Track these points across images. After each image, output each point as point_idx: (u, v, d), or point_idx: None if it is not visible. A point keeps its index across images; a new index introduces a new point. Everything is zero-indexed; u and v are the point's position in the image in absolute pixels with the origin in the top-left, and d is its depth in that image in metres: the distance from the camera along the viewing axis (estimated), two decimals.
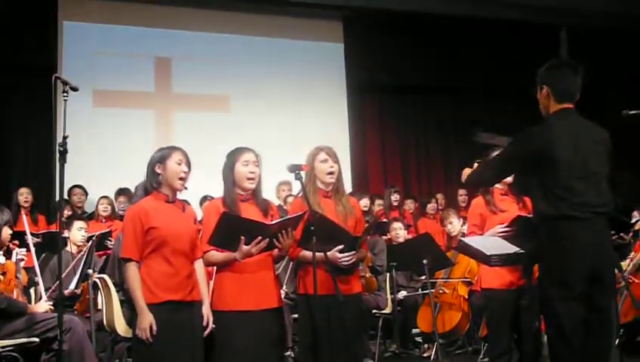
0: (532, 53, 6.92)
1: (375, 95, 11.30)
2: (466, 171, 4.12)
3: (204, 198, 7.76)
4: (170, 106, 9.85)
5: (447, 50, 11.00)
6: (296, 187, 8.33)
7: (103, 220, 7.79)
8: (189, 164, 3.86)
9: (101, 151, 8.98)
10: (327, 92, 10.61)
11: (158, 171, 3.82)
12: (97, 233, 6.23)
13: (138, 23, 9.69)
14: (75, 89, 4.06)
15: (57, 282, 5.22)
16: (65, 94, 4.03)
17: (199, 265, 3.94)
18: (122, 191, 8.05)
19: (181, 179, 3.82)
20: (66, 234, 6.24)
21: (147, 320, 3.61)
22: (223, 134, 9.24)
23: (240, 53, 10.12)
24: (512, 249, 3.96)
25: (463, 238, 4.40)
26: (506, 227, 4.22)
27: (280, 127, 9.89)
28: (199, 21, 9.96)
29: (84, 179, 8.26)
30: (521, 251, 3.92)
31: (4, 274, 4.59)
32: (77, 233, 6.24)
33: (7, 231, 4.59)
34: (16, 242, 4.94)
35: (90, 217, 7.76)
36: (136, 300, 3.67)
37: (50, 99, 8.98)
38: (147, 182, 3.88)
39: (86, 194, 8.33)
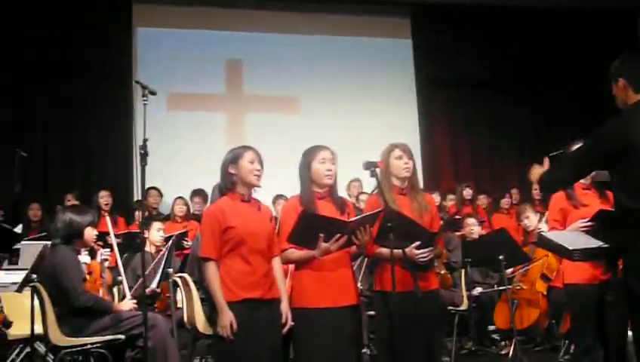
0: (605, 44, 6.74)
1: (445, 90, 11.19)
2: (536, 169, 4.01)
3: (277, 197, 7.86)
4: (241, 108, 10.01)
5: (518, 44, 10.81)
6: (368, 184, 8.36)
7: (179, 220, 7.97)
8: (261, 163, 3.91)
9: (175, 153, 9.19)
10: (396, 89, 10.59)
11: (232, 171, 3.88)
12: (176, 233, 6.37)
13: (209, 27, 9.90)
14: (153, 93, 4.17)
15: (140, 281, 5.40)
16: (144, 98, 4.13)
17: (277, 263, 3.98)
18: (197, 192, 8.22)
19: (255, 175, 3.87)
20: (146, 235, 6.43)
21: (227, 317, 3.67)
22: (294, 135, 9.34)
23: (309, 53, 10.21)
24: (595, 243, 3.85)
25: (543, 233, 4.31)
26: (588, 221, 4.11)
27: (349, 126, 9.93)
28: (269, 23, 10.08)
29: (160, 180, 8.47)
30: (605, 245, 3.81)
31: (90, 273, 4.75)
32: (155, 233, 6.41)
33: (91, 232, 4.74)
34: (100, 243, 5.10)
35: (166, 218, 7.95)
36: (216, 298, 3.73)
37: (127, 104, 9.31)
38: (222, 183, 3.94)
39: (161, 195, 8.53)
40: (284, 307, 3.91)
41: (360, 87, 10.35)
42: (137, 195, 8.77)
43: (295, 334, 3.89)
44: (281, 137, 9.35)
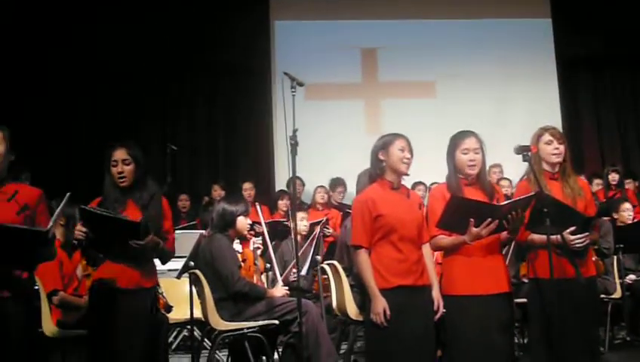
0: None
1: (588, 70, 10.71)
2: None
3: (416, 184, 7.84)
4: (377, 95, 10.04)
5: None
6: (506, 170, 8.18)
7: (320, 208, 8.11)
8: (411, 151, 3.90)
9: (314, 143, 9.33)
10: (534, 70, 10.24)
11: (382, 158, 3.90)
12: (322, 220, 6.48)
13: (343, 17, 9.96)
14: (301, 84, 4.28)
15: (289, 267, 5.58)
16: (293, 89, 4.23)
17: (426, 250, 3.98)
18: (337, 181, 8.32)
19: (404, 163, 3.87)
20: (290, 223, 6.60)
21: (381, 304, 3.71)
22: (430, 119, 9.28)
23: (443, 37, 10.08)
24: None
25: None
26: None
27: (487, 110, 9.71)
28: (402, 9, 10.03)
29: (300, 170, 8.58)
30: None
31: (244, 261, 4.94)
32: (299, 223, 6.54)
33: (244, 221, 4.91)
34: (252, 231, 5.28)
35: (308, 207, 8.12)
36: (368, 285, 3.77)
37: (267, 96, 9.55)
38: (371, 169, 3.97)
39: (303, 184, 8.70)
40: (436, 294, 3.91)
41: (497, 69, 10.11)
42: (280, 185, 9.01)
43: (447, 322, 3.87)
44: (418, 122, 9.28)
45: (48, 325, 4.67)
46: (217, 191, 8.44)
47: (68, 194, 3.66)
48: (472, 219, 3.68)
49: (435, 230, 3.87)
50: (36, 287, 4.57)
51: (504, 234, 3.87)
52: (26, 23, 8.88)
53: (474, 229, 3.69)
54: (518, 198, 3.83)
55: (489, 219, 3.68)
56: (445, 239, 3.88)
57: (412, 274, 3.81)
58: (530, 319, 4.10)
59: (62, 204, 3.55)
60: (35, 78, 8.99)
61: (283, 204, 7.93)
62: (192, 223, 8.01)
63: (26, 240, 3.35)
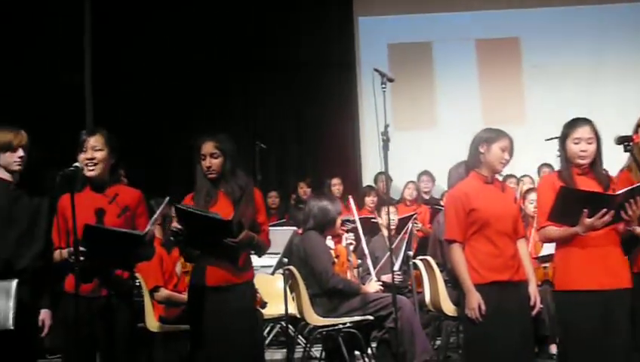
0: None
1: None
2: None
3: (506, 177, 7.70)
4: None
5: None
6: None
7: (409, 204, 8.08)
8: (511, 153, 3.84)
9: (398, 138, 9.28)
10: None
11: (481, 150, 3.84)
12: (412, 214, 6.45)
13: (424, 11, 9.84)
14: (391, 80, 4.27)
15: (381, 263, 5.59)
16: (383, 85, 4.23)
17: (522, 244, 3.91)
18: (423, 172, 8.28)
19: (501, 163, 3.82)
20: (378, 219, 6.60)
21: (475, 299, 3.67)
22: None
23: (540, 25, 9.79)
24: None
25: None
26: None
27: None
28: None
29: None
30: None
31: (337, 257, 4.98)
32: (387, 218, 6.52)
33: (338, 220, 4.96)
34: (345, 228, 5.31)
35: (397, 202, 8.09)
36: (463, 281, 3.74)
37: (352, 93, 9.53)
38: (469, 158, 3.93)
39: (391, 180, 8.66)
40: (532, 289, 3.83)
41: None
42: (366, 181, 9.01)
43: (560, 319, 3.77)
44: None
45: (151, 320, 4.83)
46: (303, 189, 8.52)
47: (167, 198, 3.78)
48: (585, 210, 3.51)
49: (545, 221, 3.70)
50: (138, 283, 4.73)
51: (621, 226, 3.66)
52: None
53: (587, 220, 3.51)
54: (634, 186, 3.60)
55: (604, 210, 3.50)
56: (555, 230, 3.69)
57: (508, 269, 3.75)
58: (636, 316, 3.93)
59: (161, 207, 3.69)
60: (124, 74, 9.31)
61: (370, 200, 7.92)
62: (281, 221, 8.11)
63: (125, 243, 3.49)
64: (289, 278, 4.88)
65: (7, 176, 3.56)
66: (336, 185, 8.26)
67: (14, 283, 3.42)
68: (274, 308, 5.21)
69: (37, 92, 8.28)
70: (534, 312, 3.82)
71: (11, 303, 3.39)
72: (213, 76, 9.58)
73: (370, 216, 7.22)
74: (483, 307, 3.66)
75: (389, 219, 4.22)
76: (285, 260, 4.86)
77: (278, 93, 9.91)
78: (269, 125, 9.81)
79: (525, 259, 3.88)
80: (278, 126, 9.88)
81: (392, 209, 6.65)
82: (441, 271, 4.98)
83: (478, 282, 3.71)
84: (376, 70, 4.24)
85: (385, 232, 6.40)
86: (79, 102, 8.81)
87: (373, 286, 4.89)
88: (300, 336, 5.59)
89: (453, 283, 4.51)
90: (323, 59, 9.83)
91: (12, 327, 3.37)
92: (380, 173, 8.59)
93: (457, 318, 4.66)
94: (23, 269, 3.50)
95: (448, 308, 4.87)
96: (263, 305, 4.89)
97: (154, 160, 9.20)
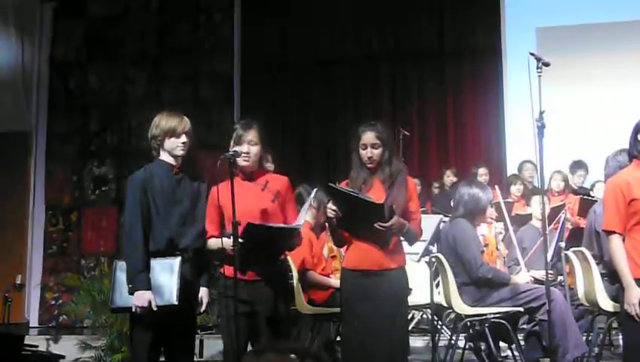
0: None
1: None
2: None
3: None
4: None
5: None
6: None
7: (556, 194, 7.77)
8: None
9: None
10: None
11: None
12: (563, 204, 6.22)
13: None
14: (547, 64, 4.12)
15: (530, 253, 5.43)
16: (539, 70, 4.10)
17: None
18: (578, 164, 7.93)
19: None
20: (527, 210, 6.40)
21: (635, 294, 3.50)
22: None
23: None
24: None
25: None
26: None
27: None
28: None
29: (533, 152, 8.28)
30: None
31: (486, 246, 4.90)
32: (537, 208, 6.30)
33: (490, 209, 4.87)
34: (494, 216, 5.20)
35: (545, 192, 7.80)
36: (622, 275, 3.57)
37: (497, 78, 9.27)
38: (630, 148, 3.75)
39: (536, 169, 8.37)
40: None
41: None
42: (511, 170, 8.76)
43: None
44: None
45: (301, 303, 4.95)
46: (450, 178, 8.41)
47: (315, 189, 4.03)
48: None
49: None
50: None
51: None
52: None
53: None
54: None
55: None
56: None
57: None
58: None
59: (310, 198, 3.94)
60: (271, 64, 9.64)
61: (516, 188, 7.72)
62: (422, 209, 8.05)
63: (282, 236, 3.70)
64: (435, 265, 4.83)
65: (170, 159, 3.78)
66: (482, 176, 8.05)
67: (178, 260, 3.64)
68: (416, 295, 5.18)
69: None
70: None
71: (175, 279, 3.60)
72: (362, 66, 9.70)
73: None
74: None
75: (543, 209, 4.06)
76: (432, 248, 4.82)
77: (421, 79, 9.86)
78: (412, 112, 9.79)
79: None
80: (421, 113, 9.82)
81: (539, 199, 6.46)
82: (597, 264, 4.76)
83: (638, 276, 3.52)
84: (531, 54, 4.11)
85: (536, 223, 6.20)
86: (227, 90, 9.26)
87: (523, 277, 4.77)
88: (441, 324, 5.55)
89: (611, 278, 4.31)
90: (468, 45, 9.67)
91: (176, 303, 3.58)
92: (525, 161, 8.33)
93: (614, 314, 4.45)
94: (184, 248, 3.71)
95: (605, 302, 4.64)
96: (408, 291, 4.87)
97: (300, 147, 9.49)
